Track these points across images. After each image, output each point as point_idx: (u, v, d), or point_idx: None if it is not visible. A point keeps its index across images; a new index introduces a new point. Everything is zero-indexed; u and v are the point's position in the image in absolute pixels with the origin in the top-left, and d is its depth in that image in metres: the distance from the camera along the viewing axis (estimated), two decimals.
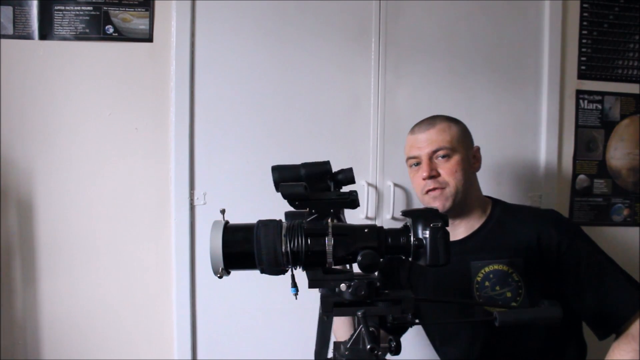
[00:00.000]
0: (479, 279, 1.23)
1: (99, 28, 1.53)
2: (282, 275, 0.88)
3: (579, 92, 1.79)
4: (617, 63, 1.82)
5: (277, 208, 0.99)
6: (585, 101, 1.80)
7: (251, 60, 1.59)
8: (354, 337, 0.84)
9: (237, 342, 1.61)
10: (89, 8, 1.52)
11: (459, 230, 1.29)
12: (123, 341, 1.58)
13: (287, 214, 0.91)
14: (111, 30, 1.54)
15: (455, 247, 1.11)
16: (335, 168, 1.00)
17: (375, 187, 1.65)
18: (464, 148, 1.28)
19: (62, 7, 1.51)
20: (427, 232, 0.84)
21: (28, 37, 1.50)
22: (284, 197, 0.87)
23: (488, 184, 1.66)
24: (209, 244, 0.83)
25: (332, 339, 0.90)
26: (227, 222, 0.86)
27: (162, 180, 1.57)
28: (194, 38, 1.56)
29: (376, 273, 0.86)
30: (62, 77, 1.52)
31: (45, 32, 1.51)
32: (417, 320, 0.89)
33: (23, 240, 1.52)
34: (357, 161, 1.64)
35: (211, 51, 1.57)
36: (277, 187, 0.89)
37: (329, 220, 0.86)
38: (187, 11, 1.54)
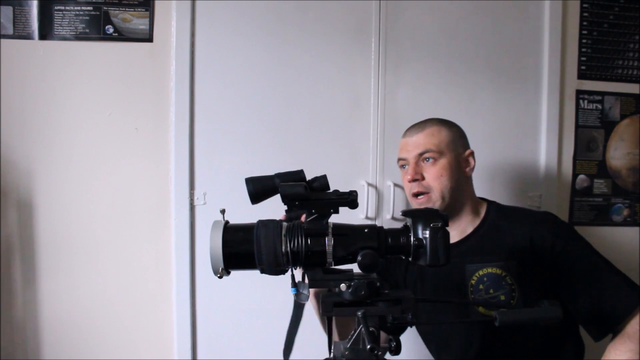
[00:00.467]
0: (473, 282, 1.23)
1: (99, 28, 1.53)
2: (282, 276, 0.88)
3: (579, 92, 1.79)
4: (617, 63, 1.82)
5: (277, 208, 0.99)
6: (585, 101, 1.80)
7: (251, 60, 1.59)
8: (354, 337, 0.84)
9: (237, 342, 1.61)
10: (89, 8, 1.52)
11: (452, 234, 1.29)
12: (123, 341, 1.58)
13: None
14: (111, 30, 1.54)
15: (450, 250, 1.11)
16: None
17: (375, 187, 1.65)
18: (452, 152, 1.27)
19: (62, 7, 1.51)
20: (427, 232, 0.84)
21: (28, 37, 1.50)
22: (284, 197, 0.87)
23: (488, 184, 1.67)
24: (209, 244, 0.83)
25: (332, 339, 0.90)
26: (227, 222, 0.86)
27: (162, 180, 1.57)
28: (194, 38, 1.56)
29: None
30: (62, 77, 1.52)
31: (45, 32, 1.51)
32: (417, 320, 0.89)
33: (23, 240, 1.52)
34: (357, 161, 1.64)
35: (211, 51, 1.57)
36: (252, 198, 0.90)
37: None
38: (187, 11, 1.54)
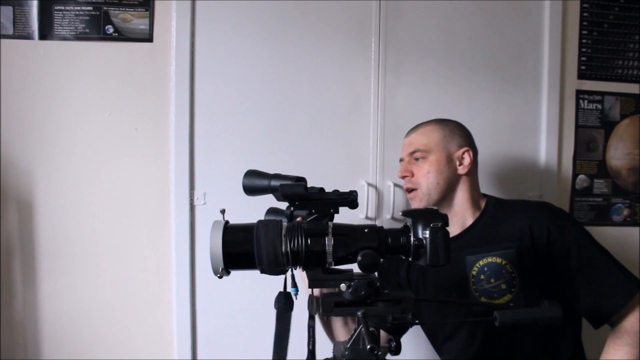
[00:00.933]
0: (474, 272, 1.25)
1: (99, 28, 1.53)
2: (282, 276, 0.88)
3: (579, 92, 1.79)
4: (617, 63, 1.82)
5: (278, 206, 1.00)
6: (585, 101, 1.80)
7: (251, 60, 1.59)
8: (354, 337, 0.84)
9: (237, 342, 1.61)
10: (89, 8, 1.52)
11: (451, 229, 1.30)
12: (123, 341, 1.58)
13: (269, 210, 0.93)
14: (111, 30, 1.54)
15: (450, 244, 1.12)
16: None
17: (375, 187, 1.65)
18: (442, 150, 1.31)
19: (62, 7, 1.51)
20: (427, 232, 0.84)
21: (28, 37, 1.50)
22: (284, 196, 0.87)
23: (488, 184, 1.67)
24: (209, 244, 0.83)
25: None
26: (227, 222, 0.86)
27: (162, 180, 1.57)
28: (194, 38, 1.56)
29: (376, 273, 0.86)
30: (62, 77, 1.52)
31: (45, 32, 1.50)
32: (417, 321, 0.89)
33: (23, 240, 1.52)
34: (357, 161, 1.64)
35: (211, 51, 1.57)
36: (245, 190, 0.94)
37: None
38: (187, 11, 1.54)
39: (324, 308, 0.85)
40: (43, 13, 1.50)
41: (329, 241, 0.83)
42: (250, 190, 0.95)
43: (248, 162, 1.58)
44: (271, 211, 0.98)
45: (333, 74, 1.63)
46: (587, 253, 1.21)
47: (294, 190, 0.86)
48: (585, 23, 1.79)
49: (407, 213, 0.89)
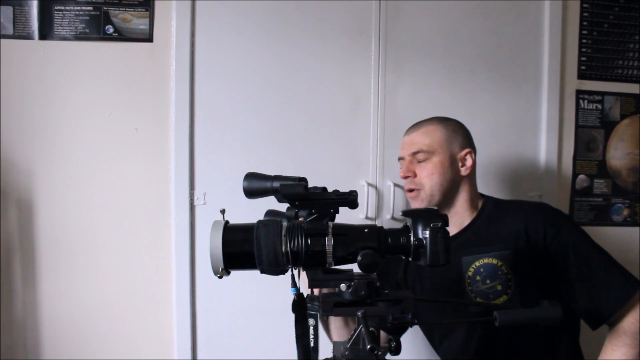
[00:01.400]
0: (470, 273, 1.25)
1: (99, 28, 1.53)
2: (282, 276, 0.88)
3: (579, 92, 1.79)
4: (617, 63, 1.82)
5: (277, 208, 1.00)
6: (585, 101, 1.80)
7: (251, 60, 1.59)
8: (354, 337, 0.84)
9: (237, 342, 1.61)
10: (89, 8, 1.52)
11: (449, 229, 1.30)
12: (123, 341, 1.58)
13: (268, 212, 0.92)
14: (111, 30, 1.54)
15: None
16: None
17: (375, 187, 1.65)
18: (445, 151, 1.30)
19: (62, 7, 1.51)
20: (427, 232, 0.84)
21: (28, 37, 1.50)
22: (284, 196, 0.87)
23: (488, 183, 1.67)
24: (209, 244, 0.83)
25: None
26: (227, 222, 0.86)
27: (162, 180, 1.57)
28: (194, 38, 1.56)
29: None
30: (62, 77, 1.52)
31: (45, 32, 1.50)
32: (416, 321, 0.89)
33: (23, 240, 1.52)
34: (357, 161, 1.64)
35: (211, 51, 1.57)
36: (245, 194, 0.93)
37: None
38: (187, 11, 1.54)
39: (324, 308, 0.85)
40: (43, 13, 1.50)
41: (329, 241, 0.83)
42: (251, 193, 0.94)
43: (248, 162, 1.58)
44: (269, 213, 0.98)
45: (333, 74, 1.63)
46: (584, 254, 1.20)
47: (294, 190, 0.86)
48: (585, 23, 1.79)
49: (407, 213, 0.89)
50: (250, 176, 0.94)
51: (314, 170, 1.59)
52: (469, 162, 1.32)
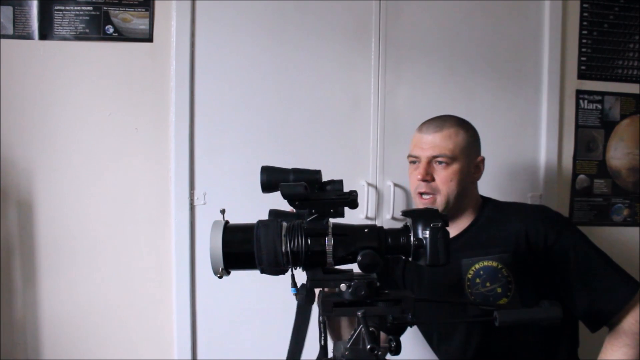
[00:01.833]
0: (469, 276, 1.24)
1: (99, 28, 1.53)
2: (282, 276, 0.88)
3: (579, 92, 1.79)
4: (617, 63, 1.82)
5: (278, 208, 0.99)
6: (585, 101, 1.80)
7: (251, 60, 1.59)
8: (354, 337, 0.84)
9: (237, 342, 1.61)
10: (89, 8, 1.52)
11: (450, 231, 1.29)
12: (123, 341, 1.58)
13: (271, 212, 0.91)
14: (111, 30, 1.54)
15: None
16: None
17: (375, 187, 1.65)
18: (466, 157, 1.26)
19: (62, 7, 1.51)
20: (427, 232, 0.84)
21: (28, 37, 1.50)
22: (284, 197, 0.87)
23: (488, 183, 1.66)
24: (209, 244, 0.83)
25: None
26: (227, 222, 0.86)
27: (162, 180, 1.57)
28: (194, 38, 1.56)
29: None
30: (62, 77, 1.52)
31: (45, 32, 1.50)
32: (417, 320, 0.89)
33: (23, 240, 1.52)
34: (357, 161, 1.64)
35: (211, 51, 1.57)
36: (263, 188, 0.89)
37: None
38: (187, 11, 1.54)
39: (324, 308, 0.85)
40: (43, 13, 1.50)
41: (329, 241, 0.83)
42: (269, 186, 0.90)
43: (248, 162, 1.58)
44: (272, 214, 0.97)
45: (333, 74, 1.63)
46: (584, 256, 1.20)
47: (294, 190, 0.86)
48: (585, 23, 1.79)
49: (407, 213, 0.89)
50: (267, 170, 0.92)
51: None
52: (481, 169, 1.31)
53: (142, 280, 1.58)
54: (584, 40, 1.79)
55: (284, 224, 0.85)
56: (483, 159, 1.32)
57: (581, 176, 1.80)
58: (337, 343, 0.90)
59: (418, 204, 1.28)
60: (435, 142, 1.25)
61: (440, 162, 1.25)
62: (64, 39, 1.52)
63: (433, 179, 1.25)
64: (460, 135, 1.26)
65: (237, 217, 0.88)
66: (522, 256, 1.21)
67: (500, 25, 1.71)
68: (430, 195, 1.25)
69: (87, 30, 1.52)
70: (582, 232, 1.25)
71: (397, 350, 0.87)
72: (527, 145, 1.75)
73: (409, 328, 1.35)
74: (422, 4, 1.66)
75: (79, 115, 1.53)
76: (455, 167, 1.24)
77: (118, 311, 1.57)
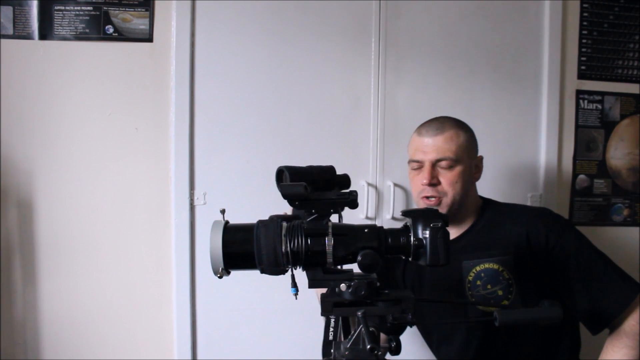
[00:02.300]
0: (470, 278, 1.24)
1: (99, 28, 1.53)
2: (282, 276, 0.88)
3: (579, 92, 1.79)
4: (617, 63, 1.82)
5: (277, 208, 0.99)
6: (585, 101, 1.80)
7: (251, 60, 1.59)
8: (354, 337, 0.84)
9: (237, 342, 1.61)
10: (89, 8, 1.52)
11: (450, 232, 1.29)
12: (123, 341, 1.58)
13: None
14: (111, 30, 1.54)
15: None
16: (335, 168, 1.00)
17: (375, 187, 1.65)
18: (468, 158, 1.27)
19: (62, 7, 1.51)
20: (427, 232, 0.84)
21: (28, 37, 1.50)
22: (284, 197, 0.87)
23: (488, 184, 1.66)
24: (209, 244, 0.83)
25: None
26: (227, 222, 0.86)
27: (162, 180, 1.57)
28: (194, 38, 1.56)
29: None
30: (62, 77, 1.52)
31: (45, 32, 1.51)
32: (417, 320, 0.89)
33: (23, 240, 1.52)
34: (357, 161, 1.64)
35: (211, 51, 1.57)
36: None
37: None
38: (187, 11, 1.54)
39: (324, 308, 0.85)
40: (43, 13, 1.50)
41: (329, 241, 0.83)
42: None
43: (248, 162, 1.59)
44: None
45: (333, 74, 1.63)
46: (585, 259, 1.20)
47: (294, 190, 0.86)
48: (585, 23, 1.79)
49: (407, 213, 0.89)
50: (285, 169, 0.92)
51: None
52: (481, 168, 1.32)
53: (142, 280, 1.58)
54: (584, 40, 1.79)
55: (284, 224, 0.85)
56: (482, 158, 1.33)
57: (581, 176, 1.80)
58: (337, 343, 0.89)
59: (421, 206, 1.27)
60: (437, 145, 1.25)
61: (444, 165, 1.24)
62: (64, 39, 1.52)
63: (439, 182, 1.25)
64: (461, 136, 1.27)
65: (237, 217, 0.88)
66: (524, 259, 1.21)
67: (500, 25, 1.71)
68: (436, 198, 1.25)
69: (87, 30, 1.53)
70: (583, 235, 1.25)
71: (397, 350, 0.87)
72: (527, 145, 1.75)
73: (408, 328, 1.35)
74: (422, 4, 1.66)
75: (79, 115, 1.53)
76: (459, 168, 1.25)
77: (118, 311, 1.57)
